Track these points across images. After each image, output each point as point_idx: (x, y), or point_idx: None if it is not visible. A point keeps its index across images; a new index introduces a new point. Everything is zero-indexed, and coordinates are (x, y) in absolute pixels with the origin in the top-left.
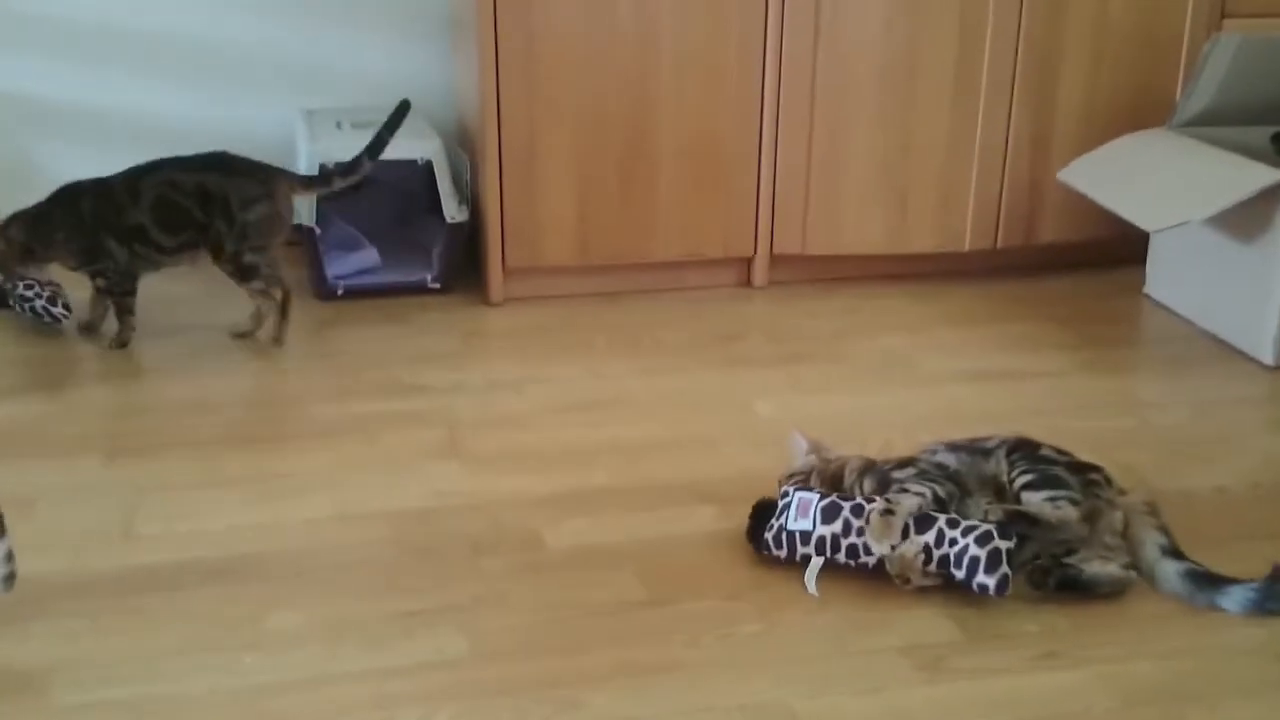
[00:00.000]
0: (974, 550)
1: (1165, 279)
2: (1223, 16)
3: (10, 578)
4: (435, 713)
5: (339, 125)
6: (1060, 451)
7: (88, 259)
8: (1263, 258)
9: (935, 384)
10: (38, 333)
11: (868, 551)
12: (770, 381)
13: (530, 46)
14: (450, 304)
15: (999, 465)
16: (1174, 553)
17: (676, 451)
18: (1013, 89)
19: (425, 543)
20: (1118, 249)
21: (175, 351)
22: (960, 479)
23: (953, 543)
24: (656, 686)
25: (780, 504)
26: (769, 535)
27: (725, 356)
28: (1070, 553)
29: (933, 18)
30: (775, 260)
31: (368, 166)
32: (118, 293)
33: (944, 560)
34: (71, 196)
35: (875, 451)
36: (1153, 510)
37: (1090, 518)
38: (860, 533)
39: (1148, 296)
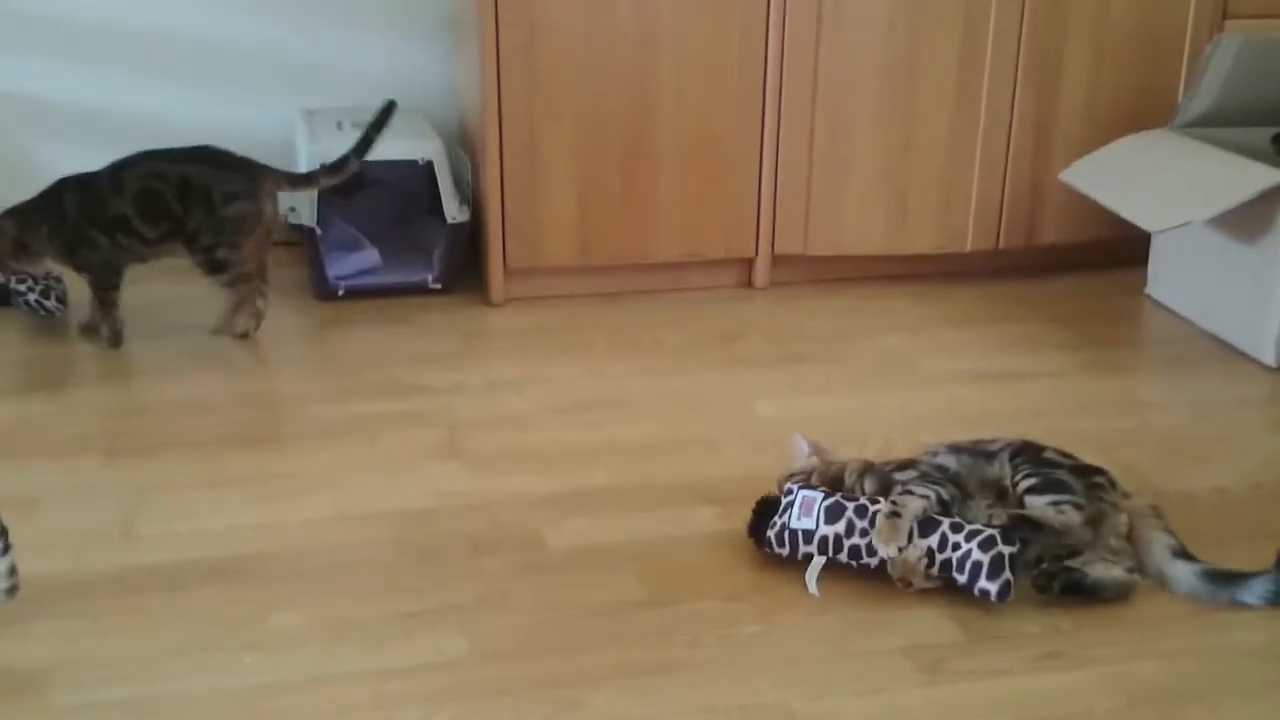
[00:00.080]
0: (977, 555)
1: (1167, 280)
2: (1225, 17)
3: (12, 590)
4: (436, 713)
5: (339, 125)
6: (1064, 454)
7: (69, 251)
8: (1264, 258)
9: (936, 384)
10: (38, 333)
11: (870, 553)
12: (771, 382)
13: (531, 46)
14: (451, 304)
15: (1002, 468)
16: (1185, 554)
17: (677, 452)
18: (1014, 89)
19: (426, 543)
20: (1119, 249)
21: (175, 351)
22: (961, 481)
23: (955, 547)
24: (657, 687)
25: (784, 501)
26: (771, 533)
27: (726, 357)
28: (1073, 554)
29: (934, 17)
30: (776, 261)
31: (355, 165)
32: (101, 286)
33: (946, 564)
34: (58, 190)
35: (876, 452)
36: (1157, 513)
37: (1094, 521)
38: (863, 534)
39: (1149, 297)
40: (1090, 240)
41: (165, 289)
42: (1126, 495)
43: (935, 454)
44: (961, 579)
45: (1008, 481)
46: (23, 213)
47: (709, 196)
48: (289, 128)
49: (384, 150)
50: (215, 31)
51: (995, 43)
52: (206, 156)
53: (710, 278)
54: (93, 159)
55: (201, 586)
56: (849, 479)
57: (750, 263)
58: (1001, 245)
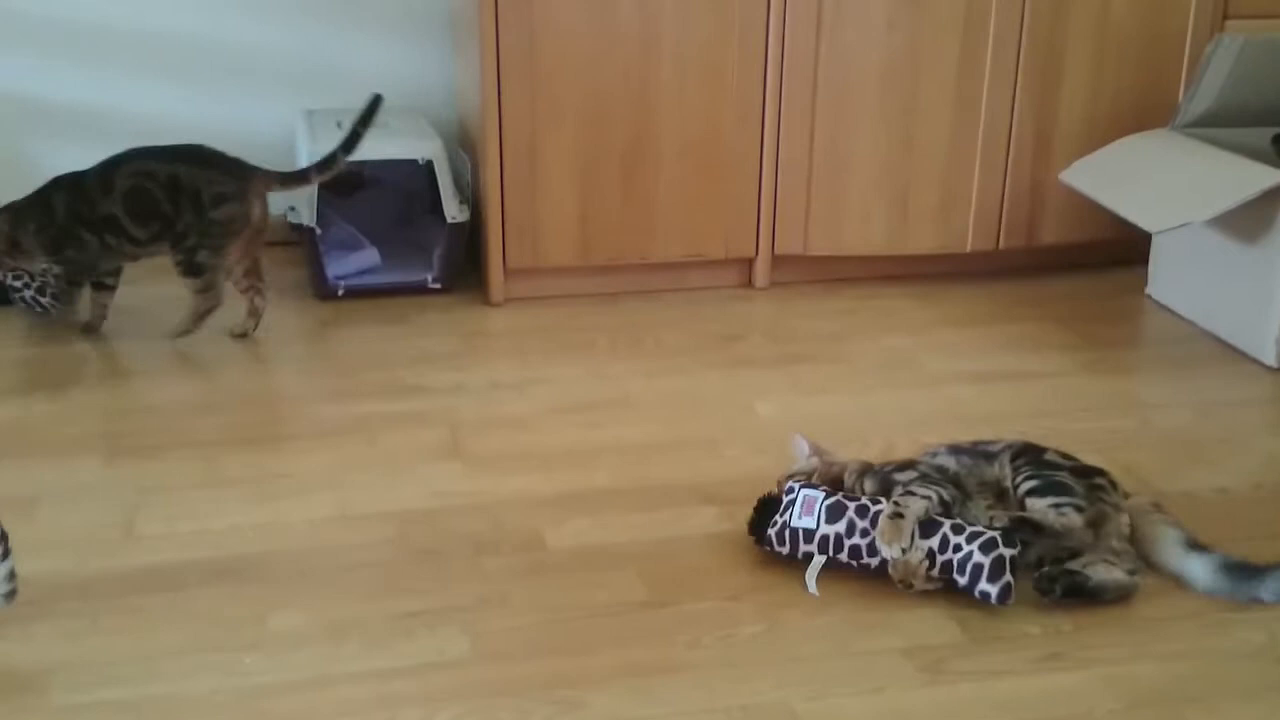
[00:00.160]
0: (978, 557)
1: (1167, 280)
2: (1225, 17)
3: (12, 594)
4: (437, 713)
5: (339, 125)
6: (1065, 456)
7: (55, 250)
8: (1265, 259)
9: (937, 385)
10: (38, 333)
11: (870, 552)
12: (772, 382)
13: (531, 46)
14: (451, 304)
15: (1002, 469)
16: (1199, 546)
17: (678, 452)
18: (1015, 89)
19: (427, 543)
20: (1120, 250)
21: (175, 351)
22: (961, 482)
23: (956, 548)
24: (658, 687)
25: (785, 500)
26: (772, 531)
27: (726, 357)
28: (1074, 556)
29: (935, 18)
30: (776, 261)
31: (343, 161)
32: (70, 281)
33: (947, 566)
34: (49, 189)
35: (877, 453)
36: (1160, 508)
37: (1095, 523)
38: (864, 533)
39: (1150, 297)
40: (1090, 240)
41: (165, 289)
42: (1127, 496)
43: (935, 455)
44: (962, 581)
45: (1008, 483)
46: (16, 210)
47: (709, 196)
48: (289, 128)
49: (384, 150)
50: (215, 31)
51: (996, 43)
52: (196, 156)
53: (710, 278)
54: (93, 159)
55: (202, 586)
56: (848, 480)
57: (750, 263)
58: (1002, 245)
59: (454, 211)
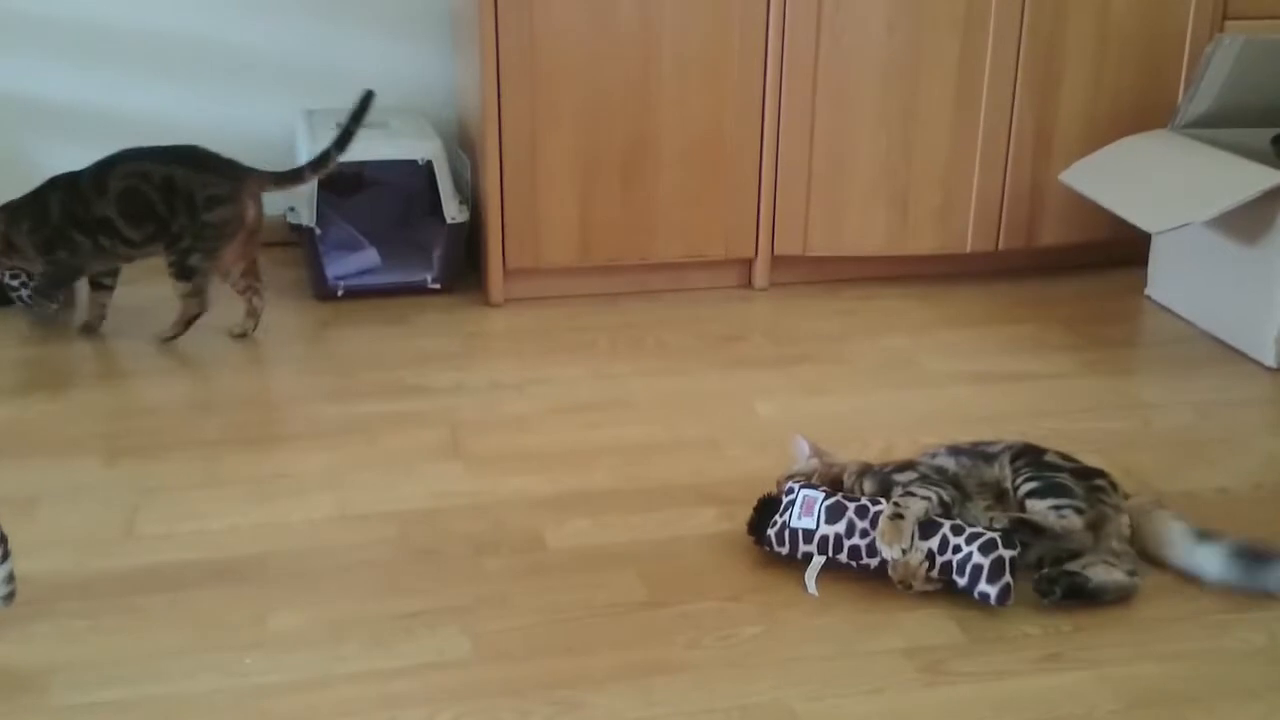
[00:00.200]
0: (977, 558)
1: (1167, 281)
2: (1225, 18)
3: (10, 596)
4: (438, 713)
5: (338, 125)
6: (1065, 457)
7: (48, 250)
8: (1264, 259)
9: (937, 385)
10: (38, 333)
11: (870, 553)
12: (772, 383)
13: (531, 46)
14: (451, 305)
15: (1002, 470)
16: (1207, 535)
17: (678, 452)
18: (1015, 90)
19: (427, 543)
20: (1119, 251)
21: (175, 352)
22: (960, 483)
23: (956, 549)
24: (658, 687)
25: (785, 500)
26: (772, 532)
27: (727, 358)
28: (1074, 557)
29: (935, 18)
30: (776, 261)
31: (336, 158)
32: (55, 277)
33: (946, 567)
34: (45, 189)
35: (877, 453)
36: (1162, 503)
37: (1096, 525)
38: (864, 534)
39: (1149, 298)
40: (1090, 241)
41: (165, 289)
42: (1127, 496)
43: (934, 455)
44: (962, 582)
45: (1008, 484)
46: (11, 210)
47: (709, 197)
48: (289, 128)
49: (384, 150)
50: (215, 31)
51: (995, 43)
52: (191, 157)
53: (710, 278)
54: (93, 159)
55: (202, 586)
56: (848, 481)
57: (750, 263)
58: (1001, 246)
59: (454, 212)
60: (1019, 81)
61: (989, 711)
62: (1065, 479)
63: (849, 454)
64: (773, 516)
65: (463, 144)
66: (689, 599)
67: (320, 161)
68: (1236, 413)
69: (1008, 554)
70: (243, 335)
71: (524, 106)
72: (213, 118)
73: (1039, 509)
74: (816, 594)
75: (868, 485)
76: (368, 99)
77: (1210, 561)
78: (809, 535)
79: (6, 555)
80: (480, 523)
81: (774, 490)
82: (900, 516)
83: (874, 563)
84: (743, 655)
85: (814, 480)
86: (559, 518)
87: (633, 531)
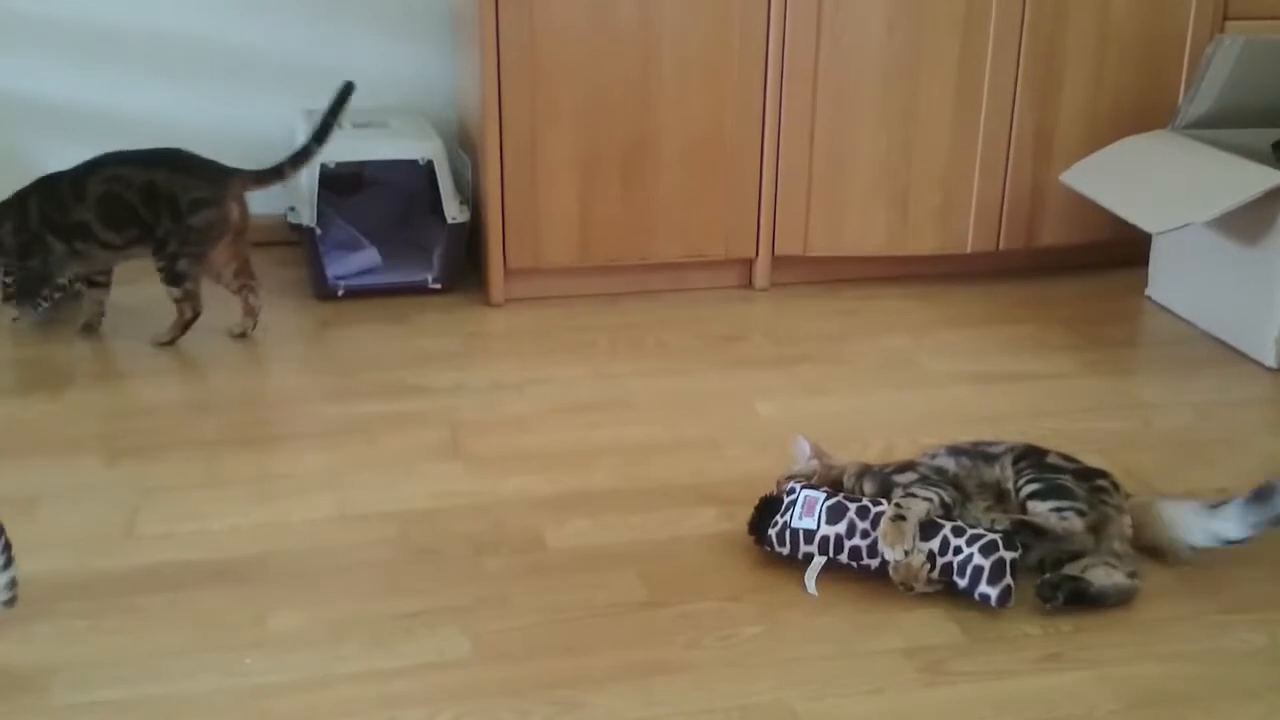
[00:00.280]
0: (978, 560)
1: (1167, 281)
2: (1225, 19)
3: (11, 601)
4: (438, 713)
5: (339, 125)
6: (1067, 458)
7: (26, 254)
8: (1265, 260)
9: (937, 385)
10: (38, 333)
11: (870, 554)
12: (772, 383)
13: (532, 46)
14: (451, 304)
15: (1004, 471)
16: (1216, 504)
17: (678, 452)
18: (1015, 91)
19: (427, 543)
20: (1120, 251)
21: (174, 352)
22: (960, 483)
23: (957, 551)
24: (658, 687)
25: (785, 500)
26: (773, 532)
27: (727, 358)
28: (1075, 558)
29: (935, 19)
30: (777, 261)
31: (315, 152)
32: (25, 289)
33: (947, 568)
34: (29, 191)
35: (877, 453)
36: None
37: (1097, 527)
38: (864, 535)
39: (1149, 298)
40: (1091, 242)
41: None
42: (1129, 496)
43: (934, 456)
44: (962, 583)
45: (1009, 485)
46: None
47: (709, 197)
48: (289, 128)
49: (384, 150)
50: (215, 31)
51: (996, 44)
52: (173, 161)
53: (710, 278)
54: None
55: (202, 586)
56: (848, 482)
57: (750, 263)
58: (1002, 247)
59: (454, 212)
60: (1019, 82)
61: (989, 711)
62: (1067, 481)
63: (849, 454)
64: (773, 517)
65: (463, 144)
66: (689, 599)
67: (299, 156)
68: (1236, 413)
69: (1009, 556)
70: (243, 335)
71: (524, 106)
72: (213, 118)
73: (1040, 511)
74: (817, 594)
75: (868, 486)
76: (347, 91)
77: (1232, 520)
78: (810, 536)
79: (9, 563)
80: (480, 523)
81: (774, 490)
82: (902, 518)
83: (874, 563)
84: (743, 655)
85: (814, 481)
86: (559, 518)
87: (633, 531)
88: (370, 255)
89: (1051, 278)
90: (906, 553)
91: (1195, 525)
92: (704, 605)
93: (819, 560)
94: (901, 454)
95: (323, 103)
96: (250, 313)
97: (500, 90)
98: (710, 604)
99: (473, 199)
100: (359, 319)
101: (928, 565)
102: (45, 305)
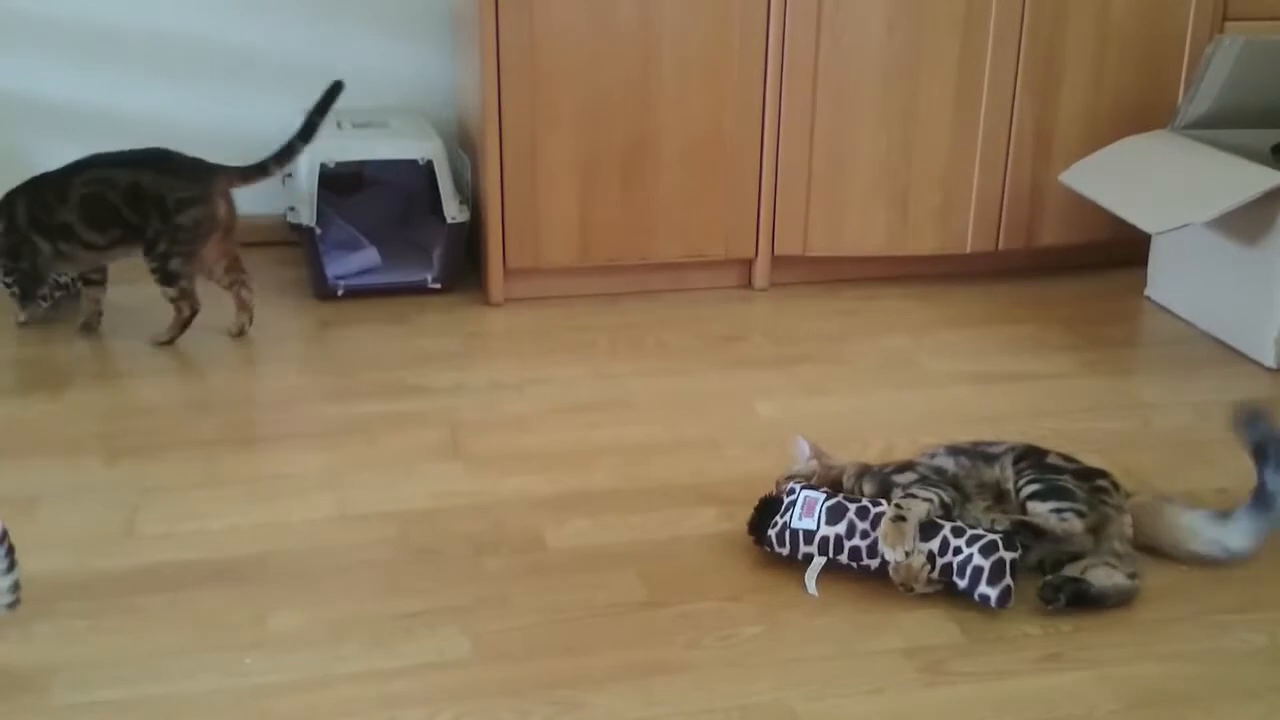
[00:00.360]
0: (978, 560)
1: (1167, 281)
2: (1225, 19)
3: (14, 604)
4: (438, 713)
5: (339, 125)
6: (1067, 458)
7: (14, 255)
8: (1264, 260)
9: (937, 385)
10: (38, 333)
11: (870, 554)
12: (772, 383)
13: (532, 46)
14: (451, 304)
15: (1004, 472)
16: (1224, 511)
17: (678, 452)
18: (1015, 91)
19: (427, 543)
20: (1119, 251)
21: (174, 351)
22: (959, 484)
23: (957, 551)
24: (658, 687)
25: (785, 501)
26: (773, 532)
27: (727, 358)
28: (1075, 559)
29: (935, 18)
30: (776, 261)
31: (301, 149)
32: (24, 292)
33: (947, 569)
34: (18, 191)
35: (876, 453)
36: (1168, 498)
37: (1097, 527)
38: (864, 535)
39: (1149, 298)
40: (1090, 242)
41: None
42: (1129, 496)
43: (934, 456)
44: (962, 584)
45: (1009, 485)
46: None
47: (709, 197)
48: (289, 128)
49: (384, 150)
50: (215, 31)
51: (995, 44)
52: (157, 161)
53: (710, 278)
54: None
55: (202, 586)
56: (847, 482)
57: (750, 263)
58: (1001, 247)
59: (454, 211)
60: (1019, 82)
61: (989, 711)
62: (1067, 481)
63: (849, 454)
64: (773, 517)
65: (463, 144)
66: (689, 599)
67: (284, 153)
68: None
69: (1008, 556)
70: (241, 333)
71: (524, 106)
72: (213, 118)
73: (1040, 511)
74: (816, 594)
75: (867, 486)
76: (335, 90)
77: (1240, 528)
78: (810, 536)
79: (12, 566)
80: (480, 523)
81: (774, 490)
82: (903, 519)
83: (874, 564)
84: (743, 655)
85: (813, 481)
86: (559, 518)
87: (633, 531)
88: (370, 255)
89: (1051, 278)
90: (907, 553)
91: (1203, 536)
92: (704, 605)
93: (819, 561)
94: (901, 454)
95: None
96: (244, 307)
97: (500, 90)
98: (710, 604)
99: (472, 199)
100: (359, 319)
101: (928, 566)
102: (46, 305)
